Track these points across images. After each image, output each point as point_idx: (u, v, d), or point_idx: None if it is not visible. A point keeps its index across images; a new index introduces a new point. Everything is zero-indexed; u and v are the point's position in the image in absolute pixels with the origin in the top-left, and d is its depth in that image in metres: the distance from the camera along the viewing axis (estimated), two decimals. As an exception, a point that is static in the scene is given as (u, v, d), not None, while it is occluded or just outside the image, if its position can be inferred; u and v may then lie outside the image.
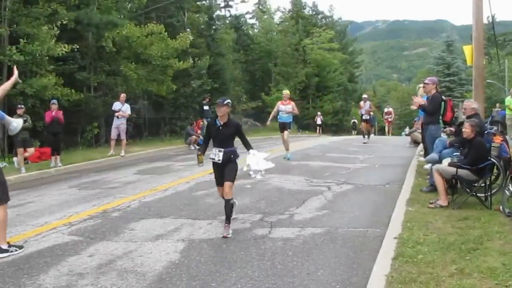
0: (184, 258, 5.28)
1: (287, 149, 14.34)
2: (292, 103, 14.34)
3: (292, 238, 5.92)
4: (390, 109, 32.15)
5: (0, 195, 5.71)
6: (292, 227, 6.43)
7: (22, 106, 13.58)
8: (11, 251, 5.59)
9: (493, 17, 30.59)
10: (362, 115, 20.50)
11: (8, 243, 5.71)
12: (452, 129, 9.01)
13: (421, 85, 10.49)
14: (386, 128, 32.29)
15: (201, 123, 21.24)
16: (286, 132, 14.12)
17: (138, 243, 5.90)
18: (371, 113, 21.58)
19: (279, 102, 14.52)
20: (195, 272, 4.86)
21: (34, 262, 5.29)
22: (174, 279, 4.68)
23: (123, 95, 16.82)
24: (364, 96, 22.29)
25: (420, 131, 13.73)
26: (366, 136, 20.65)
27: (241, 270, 4.89)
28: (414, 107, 10.26)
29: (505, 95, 33.85)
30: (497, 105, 22.42)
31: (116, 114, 16.24)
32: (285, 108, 14.05)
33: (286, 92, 14.95)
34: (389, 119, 30.83)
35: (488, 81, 33.14)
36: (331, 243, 5.72)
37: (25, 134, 13.23)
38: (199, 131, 20.56)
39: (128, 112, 16.62)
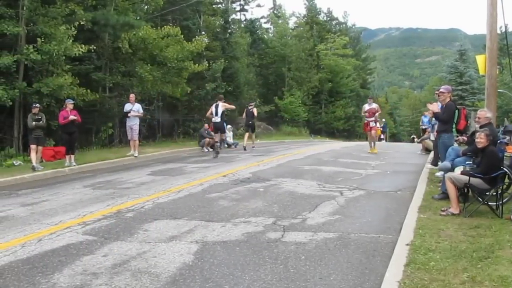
0: (198, 260, 5.31)
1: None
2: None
3: (305, 242, 5.93)
4: (374, 106, 18.72)
5: None
6: (304, 231, 6.44)
7: (38, 105, 13.81)
8: None
9: (506, 26, 30.44)
10: None
11: None
12: (465, 138, 9.01)
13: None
14: (368, 137, 19.58)
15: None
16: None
17: (152, 244, 5.94)
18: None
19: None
20: (209, 274, 4.89)
21: (49, 261, 5.33)
22: (188, 280, 4.72)
23: (132, 96, 17.08)
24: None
25: (432, 138, 13.77)
26: None
27: (254, 273, 4.91)
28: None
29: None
30: None
31: (129, 114, 16.43)
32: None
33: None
34: (371, 122, 18.40)
35: (499, 90, 32.64)
36: (344, 248, 5.72)
37: (39, 132, 13.47)
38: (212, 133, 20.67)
39: (141, 111, 16.82)
